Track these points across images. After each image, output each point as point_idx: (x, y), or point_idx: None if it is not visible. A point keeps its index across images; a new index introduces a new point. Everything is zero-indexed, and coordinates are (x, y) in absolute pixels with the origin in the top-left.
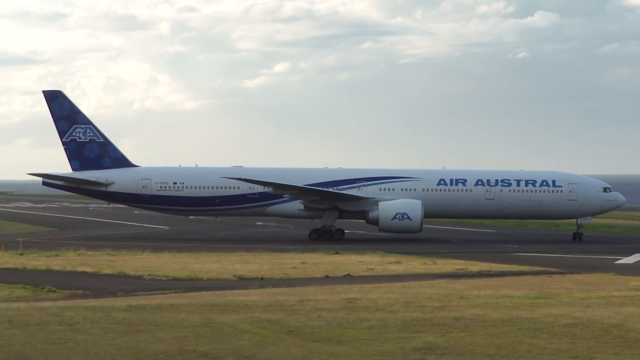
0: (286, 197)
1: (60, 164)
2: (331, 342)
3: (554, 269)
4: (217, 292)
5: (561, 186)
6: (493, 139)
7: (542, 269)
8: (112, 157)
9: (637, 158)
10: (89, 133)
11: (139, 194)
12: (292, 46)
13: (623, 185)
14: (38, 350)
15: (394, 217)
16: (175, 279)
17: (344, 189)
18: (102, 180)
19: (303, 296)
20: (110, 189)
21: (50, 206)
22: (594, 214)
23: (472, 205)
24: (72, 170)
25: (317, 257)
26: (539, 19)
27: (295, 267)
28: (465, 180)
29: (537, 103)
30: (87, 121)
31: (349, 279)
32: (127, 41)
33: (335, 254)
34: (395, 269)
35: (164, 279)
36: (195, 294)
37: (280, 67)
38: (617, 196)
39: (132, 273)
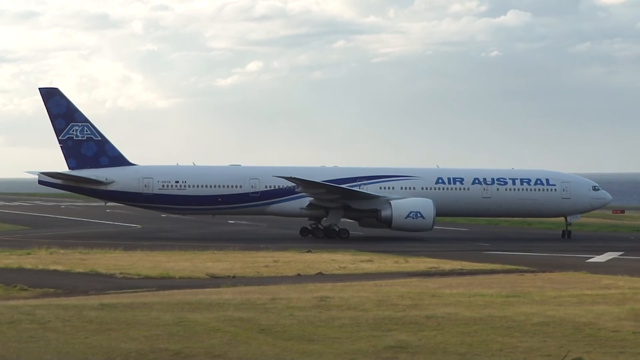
0: (301, 194)
1: (34, 163)
2: (303, 340)
3: (526, 268)
4: (189, 291)
5: (555, 185)
6: (466, 138)
7: (514, 267)
8: (110, 156)
9: (608, 156)
10: (86, 131)
11: (140, 193)
12: (265, 45)
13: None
14: (9, 348)
15: (408, 216)
16: (147, 278)
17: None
18: (102, 179)
19: (275, 295)
20: (111, 187)
21: (22, 204)
22: (584, 212)
23: (469, 204)
24: (69, 169)
25: (289, 255)
26: (511, 18)
27: (267, 266)
28: (462, 179)
29: (510, 102)
30: (84, 119)
31: (321, 277)
32: (100, 40)
33: (308, 252)
34: (368, 267)
35: (136, 277)
36: (167, 292)
37: (253, 65)
38: (605, 195)
39: (104, 271)
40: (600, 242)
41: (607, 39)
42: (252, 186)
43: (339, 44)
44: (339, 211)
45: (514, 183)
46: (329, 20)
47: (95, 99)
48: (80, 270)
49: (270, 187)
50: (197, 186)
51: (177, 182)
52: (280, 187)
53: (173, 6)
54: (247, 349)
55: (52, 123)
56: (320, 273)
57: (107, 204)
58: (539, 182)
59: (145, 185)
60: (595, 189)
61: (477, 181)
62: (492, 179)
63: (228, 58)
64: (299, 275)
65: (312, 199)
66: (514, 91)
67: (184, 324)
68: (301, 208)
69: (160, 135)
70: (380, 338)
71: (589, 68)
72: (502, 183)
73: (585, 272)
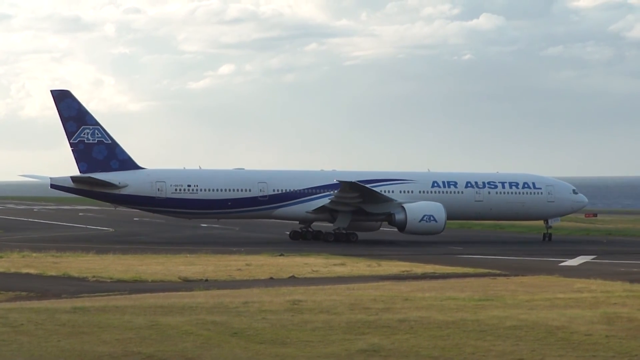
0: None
1: (11, 166)
2: (275, 343)
3: (498, 271)
4: (161, 294)
5: (540, 188)
6: (438, 141)
7: (486, 271)
8: (120, 159)
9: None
10: (97, 134)
11: (153, 197)
12: (237, 48)
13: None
14: None
15: (422, 219)
16: (119, 281)
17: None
18: (116, 182)
19: (247, 298)
20: (124, 191)
21: None
22: (565, 214)
23: (462, 207)
24: (80, 172)
25: (261, 259)
26: (484, 21)
27: (239, 269)
28: (456, 183)
29: (481, 105)
30: (95, 122)
31: (293, 280)
32: (72, 43)
33: (280, 256)
34: (340, 270)
35: (109, 280)
36: (139, 295)
37: (225, 69)
38: (583, 198)
39: (76, 275)
40: (573, 246)
41: (579, 42)
42: (260, 190)
43: (311, 47)
44: (347, 215)
45: (503, 187)
46: (301, 24)
47: None
48: (53, 273)
49: (278, 190)
50: (209, 190)
51: (189, 185)
52: (288, 190)
53: (145, 9)
54: (220, 353)
55: (63, 126)
56: (293, 276)
57: (116, 208)
58: (526, 185)
59: (159, 189)
60: (574, 192)
61: (469, 185)
62: (484, 183)
63: (200, 61)
64: (271, 278)
65: (327, 202)
66: (486, 94)
67: (156, 328)
68: (307, 212)
69: (133, 139)
70: (353, 342)
71: (561, 71)
72: (493, 187)
73: (558, 276)
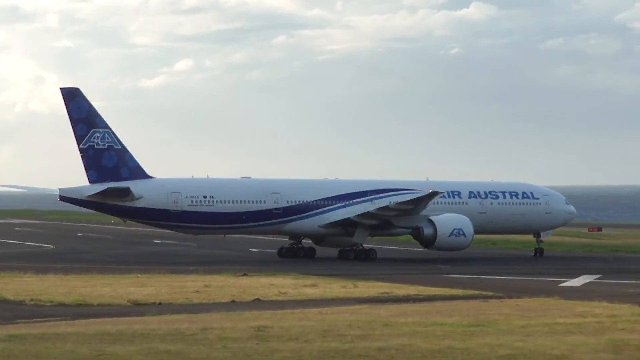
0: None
1: None
2: None
3: (490, 293)
4: (108, 320)
5: (539, 198)
6: (420, 145)
7: (477, 292)
8: (130, 167)
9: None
10: (107, 139)
11: (169, 210)
12: (196, 41)
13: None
14: None
15: (452, 234)
16: (61, 305)
17: (360, 201)
18: (135, 193)
19: (206, 324)
20: (138, 204)
21: None
22: (558, 227)
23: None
24: (89, 182)
25: (222, 279)
26: (474, 10)
27: (197, 291)
28: (459, 193)
29: (470, 105)
30: (104, 125)
31: (258, 304)
32: (9, 35)
33: (243, 275)
34: (311, 292)
35: (49, 304)
36: (84, 321)
37: (183, 64)
38: (574, 209)
39: (12, 298)
40: (575, 264)
41: (582, 33)
42: (274, 201)
43: (280, 40)
44: (367, 229)
45: (504, 197)
46: (267, 13)
47: (4, 101)
48: None
49: (292, 202)
50: (224, 202)
51: (205, 197)
52: (303, 202)
53: None
54: None
55: (73, 129)
56: (258, 299)
57: (126, 222)
58: (525, 195)
59: (175, 201)
60: (566, 202)
61: (472, 195)
62: (485, 193)
63: (154, 56)
64: (233, 301)
65: (342, 217)
66: (476, 93)
67: (103, 358)
68: (319, 226)
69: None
70: None
71: (561, 67)
72: (494, 197)
73: (558, 298)
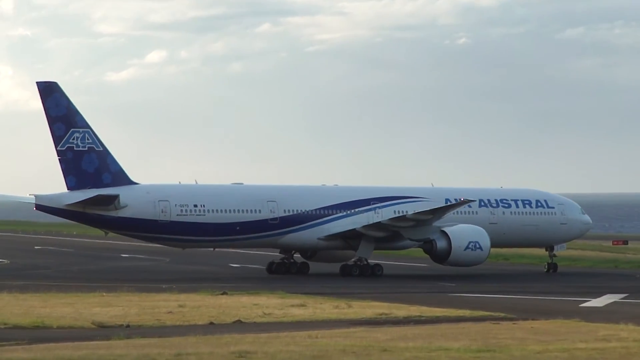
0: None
1: None
2: None
3: (502, 314)
4: (70, 344)
5: (554, 207)
6: (419, 147)
7: (487, 313)
8: (112, 172)
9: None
10: (88, 139)
11: (156, 221)
12: (170, 30)
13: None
14: None
15: (467, 247)
16: (16, 327)
17: (361, 211)
18: (121, 201)
19: (181, 349)
20: (122, 213)
21: None
22: (573, 239)
23: None
24: (68, 188)
25: (198, 298)
26: None
27: (170, 312)
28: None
29: (479, 102)
30: (85, 124)
31: (239, 326)
32: None
33: (223, 294)
34: (300, 313)
35: (3, 326)
36: (42, 346)
37: (154, 56)
38: (589, 219)
39: None
40: (597, 282)
41: (606, 22)
42: (270, 210)
43: (264, 29)
44: (372, 242)
45: (517, 205)
46: None
47: None
48: None
49: (290, 211)
50: (217, 211)
51: (195, 205)
52: (302, 211)
53: None
54: None
55: (50, 128)
56: (239, 321)
57: (107, 235)
58: (539, 204)
59: (162, 211)
60: (582, 212)
61: (482, 203)
62: (497, 201)
63: (122, 46)
64: (211, 323)
65: (347, 228)
66: (484, 89)
67: None
68: (319, 238)
69: (37, 146)
70: None
71: (582, 59)
72: (506, 205)
73: (578, 320)
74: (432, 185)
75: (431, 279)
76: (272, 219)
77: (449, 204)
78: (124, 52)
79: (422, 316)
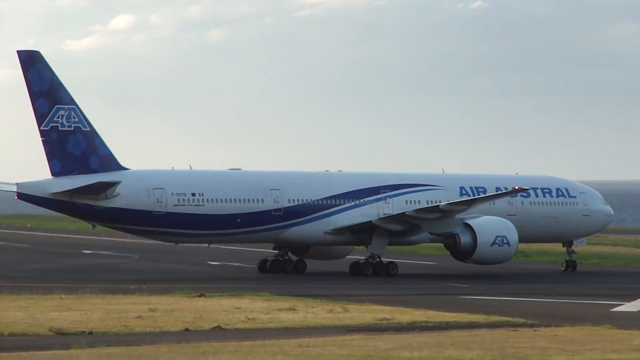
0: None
1: None
2: None
3: (521, 320)
4: (24, 354)
5: (575, 197)
6: (428, 128)
7: (503, 319)
8: (101, 155)
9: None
10: (73, 117)
11: (151, 212)
12: None
13: (610, 196)
14: None
15: (494, 242)
16: None
17: (370, 201)
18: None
19: (152, 359)
20: (113, 203)
21: None
22: (595, 232)
23: None
24: (52, 174)
25: (172, 301)
26: None
27: (140, 317)
28: (484, 189)
29: (493, 75)
30: (70, 99)
31: (219, 333)
32: None
33: (200, 296)
34: (289, 318)
35: None
36: None
37: (121, 21)
38: (611, 210)
39: None
40: (631, 282)
41: None
42: (274, 200)
43: None
44: (385, 236)
45: (536, 195)
46: None
47: None
48: None
49: (295, 201)
50: (217, 200)
51: (193, 194)
52: (308, 201)
53: None
54: None
55: (32, 105)
56: (219, 327)
57: (94, 229)
58: (560, 193)
59: (158, 200)
60: (604, 202)
61: (499, 192)
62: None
63: (83, 10)
64: (187, 330)
65: (364, 219)
66: (502, 61)
67: None
68: (326, 232)
69: None
70: None
71: (616, 25)
72: (525, 195)
73: (609, 327)
74: (443, 172)
75: (438, 279)
76: (275, 210)
77: (497, 192)
78: (85, 17)
79: (429, 322)
